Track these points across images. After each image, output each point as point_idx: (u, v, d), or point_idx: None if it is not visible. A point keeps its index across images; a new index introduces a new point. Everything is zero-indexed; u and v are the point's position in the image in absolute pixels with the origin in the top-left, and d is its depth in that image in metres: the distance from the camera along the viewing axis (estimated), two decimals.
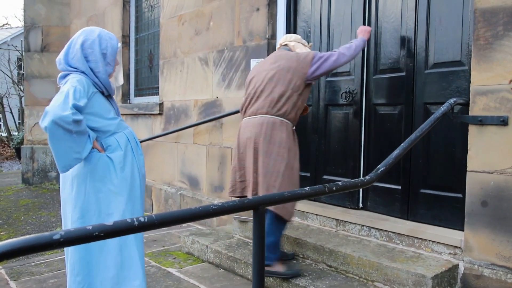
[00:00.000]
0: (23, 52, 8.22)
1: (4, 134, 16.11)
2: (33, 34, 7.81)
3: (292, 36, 3.07)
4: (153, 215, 1.26)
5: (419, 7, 2.97)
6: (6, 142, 15.11)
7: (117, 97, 6.26)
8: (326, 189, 1.74)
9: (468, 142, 2.51)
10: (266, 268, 2.75)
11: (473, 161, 2.48)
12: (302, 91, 2.80)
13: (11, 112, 16.45)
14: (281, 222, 2.79)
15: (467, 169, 2.51)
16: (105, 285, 2.30)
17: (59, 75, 2.34)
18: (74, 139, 2.12)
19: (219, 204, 1.41)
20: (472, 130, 2.49)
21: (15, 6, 45.40)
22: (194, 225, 4.64)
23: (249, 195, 2.83)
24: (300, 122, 3.13)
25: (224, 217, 4.25)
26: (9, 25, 22.35)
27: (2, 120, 16.92)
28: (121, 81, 2.62)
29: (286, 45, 3.02)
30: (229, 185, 2.98)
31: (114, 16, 6.32)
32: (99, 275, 2.30)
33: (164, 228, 4.48)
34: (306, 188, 1.69)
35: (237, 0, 4.16)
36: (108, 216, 2.30)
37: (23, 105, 12.42)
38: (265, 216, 2.82)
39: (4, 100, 16.08)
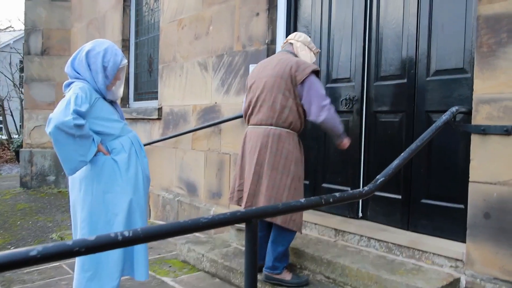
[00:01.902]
0: (23, 55, 8.17)
1: (4, 137, 16.07)
2: (34, 37, 7.78)
3: (301, 36, 2.94)
4: (139, 229, 1.19)
5: (421, 12, 2.91)
6: (6, 145, 15.07)
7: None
8: (322, 201, 1.68)
9: (471, 152, 2.44)
10: (275, 276, 2.78)
11: (475, 172, 2.41)
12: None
13: (12, 115, 16.42)
14: (290, 232, 2.75)
15: (470, 179, 2.44)
16: (113, 278, 2.39)
17: (64, 83, 2.48)
18: (77, 143, 2.24)
19: (209, 217, 1.34)
20: (475, 139, 2.42)
21: (18, 9, 45.61)
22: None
23: (243, 206, 2.78)
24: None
25: None
26: (12, 28, 22.35)
27: (2, 123, 16.90)
28: (120, 95, 2.61)
29: (291, 44, 2.92)
30: (230, 191, 3.00)
31: (115, 19, 6.28)
32: (108, 268, 2.39)
33: None
34: (302, 200, 1.63)
35: (237, 5, 4.11)
36: (114, 216, 2.41)
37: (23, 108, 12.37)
38: (272, 225, 2.81)
39: (5, 103, 16.05)
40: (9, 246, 4.69)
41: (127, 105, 6.18)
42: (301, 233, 2.81)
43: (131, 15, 6.17)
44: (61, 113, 2.20)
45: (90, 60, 2.39)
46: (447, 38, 2.78)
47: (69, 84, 2.43)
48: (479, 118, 2.40)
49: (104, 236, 1.13)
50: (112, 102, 2.55)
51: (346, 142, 2.87)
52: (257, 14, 3.90)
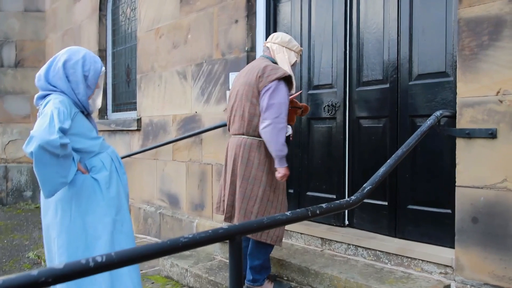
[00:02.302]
0: None
1: None
2: (7, 49, 7.57)
3: (278, 36, 2.77)
4: (113, 253, 1.10)
5: (401, 17, 2.89)
6: None
7: (94, 113, 6.06)
8: (309, 213, 1.61)
9: (456, 156, 2.40)
10: None
11: (461, 176, 2.38)
12: None
13: None
14: (266, 246, 2.66)
15: (456, 184, 2.40)
16: None
17: (37, 95, 2.28)
18: (60, 163, 2.06)
19: (190, 236, 1.25)
20: (460, 143, 2.39)
21: None
22: None
23: (223, 217, 2.73)
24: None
25: None
26: None
27: None
28: (98, 104, 2.47)
29: (268, 47, 2.80)
30: (216, 200, 2.94)
31: (91, 29, 6.14)
32: None
33: None
34: (288, 213, 1.55)
35: (215, 12, 4.04)
36: (95, 240, 2.20)
37: None
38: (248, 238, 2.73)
39: None
40: None
41: (105, 116, 6.03)
42: (280, 246, 2.71)
43: (107, 25, 6.04)
44: (45, 131, 1.99)
45: (68, 71, 2.21)
46: (428, 41, 2.76)
47: (43, 97, 2.23)
48: (463, 121, 2.37)
49: (73, 263, 1.03)
50: (87, 116, 2.37)
51: (281, 172, 2.59)
52: (236, 21, 3.83)
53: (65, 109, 2.11)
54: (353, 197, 1.86)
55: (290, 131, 2.86)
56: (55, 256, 2.22)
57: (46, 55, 7.49)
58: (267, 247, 2.67)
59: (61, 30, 6.98)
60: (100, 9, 5.97)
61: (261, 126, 2.57)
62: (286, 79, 2.61)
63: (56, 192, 2.14)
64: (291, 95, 2.78)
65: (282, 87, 2.58)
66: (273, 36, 2.81)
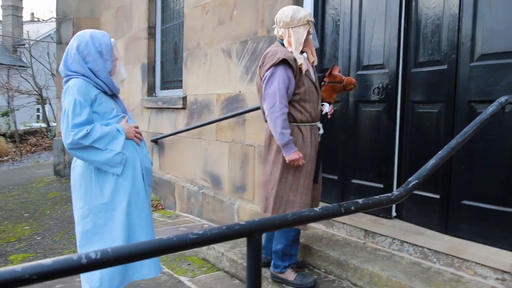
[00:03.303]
0: (56, 44, 8.22)
1: (43, 125, 16.52)
2: (65, 26, 7.79)
3: (281, 20, 2.51)
4: (109, 249, 0.99)
5: None
6: (45, 133, 15.48)
7: (143, 89, 6.11)
8: (342, 209, 1.43)
9: None
10: (278, 275, 2.65)
11: None
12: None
13: (50, 104, 16.83)
14: (288, 229, 2.52)
15: None
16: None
17: (64, 80, 2.38)
18: (101, 143, 2.20)
19: (200, 232, 1.13)
20: None
21: None
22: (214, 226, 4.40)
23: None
24: (327, 120, 2.79)
25: (246, 219, 3.99)
26: (55, 18, 22.91)
27: (41, 111, 17.36)
28: (124, 74, 2.56)
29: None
30: None
31: (141, 6, 6.13)
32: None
33: (182, 229, 4.27)
34: (317, 209, 1.38)
35: None
36: (114, 211, 2.29)
37: None
38: None
39: (44, 92, 16.46)
40: (36, 236, 4.68)
41: (154, 94, 6.06)
42: (305, 230, 2.65)
43: (156, 1, 5.99)
44: (64, 135, 2.19)
45: (82, 53, 2.27)
46: (495, 17, 2.42)
47: (67, 81, 2.32)
48: None
49: (63, 259, 0.93)
50: (113, 96, 2.43)
51: (288, 158, 2.45)
52: None
53: (80, 98, 2.20)
54: (395, 192, 1.65)
55: (326, 109, 2.71)
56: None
57: None
58: (288, 231, 2.54)
59: (114, 7, 7.04)
60: None
61: (266, 119, 2.55)
62: (286, 62, 2.44)
63: (123, 164, 2.27)
64: (327, 70, 2.72)
65: (279, 72, 2.42)
66: (276, 19, 2.58)
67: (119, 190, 2.29)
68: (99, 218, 2.27)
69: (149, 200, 2.47)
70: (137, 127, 2.42)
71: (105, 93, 2.35)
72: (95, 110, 2.28)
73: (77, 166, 2.35)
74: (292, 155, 2.45)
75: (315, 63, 2.71)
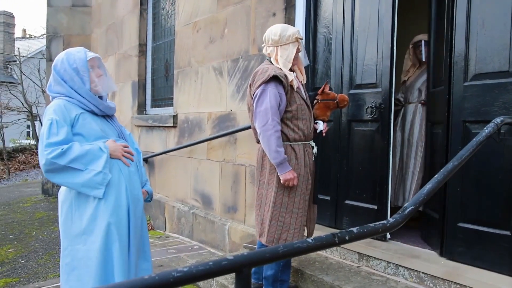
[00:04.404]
0: (46, 61, 8.14)
1: (33, 142, 16.32)
2: (55, 43, 7.73)
3: (269, 38, 2.49)
4: None
5: (457, 8, 2.53)
6: (34, 150, 15.29)
7: (133, 107, 6.04)
8: (336, 239, 1.36)
9: None
10: None
11: None
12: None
13: (40, 121, 16.66)
14: None
15: None
16: None
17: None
18: (80, 163, 2.04)
19: (185, 269, 1.05)
20: None
21: None
22: (206, 248, 4.30)
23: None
24: (320, 139, 2.73)
25: (237, 240, 3.90)
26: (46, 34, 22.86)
27: (31, 128, 17.18)
28: (113, 87, 2.40)
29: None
30: None
31: (132, 24, 6.11)
32: None
33: (172, 251, 4.16)
34: (310, 240, 1.31)
35: (252, 5, 3.82)
36: (91, 244, 2.11)
37: None
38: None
39: (34, 109, 16.31)
40: (20, 259, 4.54)
41: (144, 112, 5.99)
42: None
43: (148, 19, 5.97)
44: (39, 157, 2.07)
45: (59, 73, 2.20)
46: (489, 36, 2.39)
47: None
48: None
49: None
50: (105, 117, 2.28)
51: (285, 176, 2.38)
52: (274, 14, 3.59)
53: (57, 117, 2.08)
54: (391, 219, 1.59)
55: (321, 126, 2.65)
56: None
57: (91, 49, 7.56)
58: None
59: (105, 25, 7.01)
60: (141, 3, 5.92)
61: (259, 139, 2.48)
62: (276, 78, 2.39)
63: (104, 186, 2.08)
64: (319, 89, 2.66)
65: (270, 89, 2.38)
66: (265, 37, 2.55)
67: (98, 217, 2.09)
68: (77, 250, 2.11)
69: (136, 235, 2.22)
70: (126, 146, 2.24)
71: (94, 113, 2.21)
72: (78, 131, 2.13)
73: (61, 192, 2.22)
74: (287, 174, 2.39)
75: (304, 81, 2.66)
